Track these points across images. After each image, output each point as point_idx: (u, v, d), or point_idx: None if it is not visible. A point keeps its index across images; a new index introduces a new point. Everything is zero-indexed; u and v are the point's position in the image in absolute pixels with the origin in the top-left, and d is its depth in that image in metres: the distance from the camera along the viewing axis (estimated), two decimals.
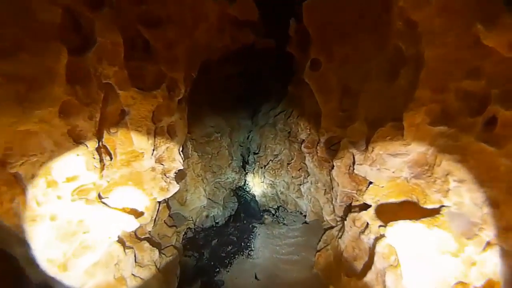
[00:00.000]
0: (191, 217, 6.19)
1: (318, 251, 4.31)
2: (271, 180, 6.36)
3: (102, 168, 2.79)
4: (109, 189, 3.06)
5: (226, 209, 7.21)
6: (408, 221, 2.62)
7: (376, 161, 2.90)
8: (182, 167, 4.18)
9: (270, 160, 6.25)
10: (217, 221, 6.73)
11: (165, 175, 3.76)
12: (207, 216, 6.49)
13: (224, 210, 7.05)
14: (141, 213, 3.49)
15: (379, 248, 2.90)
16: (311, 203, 5.16)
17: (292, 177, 5.68)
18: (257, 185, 7.12)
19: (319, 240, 4.56)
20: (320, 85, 3.73)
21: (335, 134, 3.81)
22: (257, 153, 6.83)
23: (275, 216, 6.76)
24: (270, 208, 7.10)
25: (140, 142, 3.16)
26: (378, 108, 3.23)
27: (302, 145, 4.74)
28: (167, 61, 3.35)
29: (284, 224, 5.77)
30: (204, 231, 6.22)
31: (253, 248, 5.44)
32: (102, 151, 2.88)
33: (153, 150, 3.31)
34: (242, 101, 7.49)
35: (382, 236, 2.87)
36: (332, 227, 4.52)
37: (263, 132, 6.76)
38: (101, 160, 2.72)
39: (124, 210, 3.13)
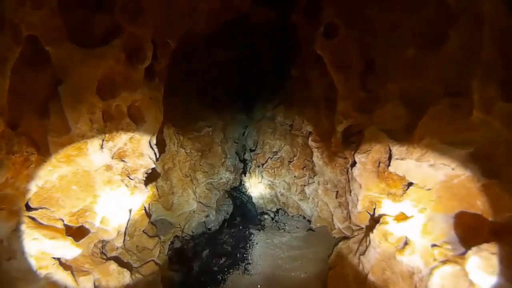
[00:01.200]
0: (179, 224, 5.21)
1: (331, 268, 3.39)
2: (270, 181, 5.42)
3: (25, 166, 1.83)
4: (42, 196, 2.08)
5: (220, 213, 6.23)
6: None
7: (428, 154, 2.01)
8: (154, 165, 3.18)
9: (269, 157, 5.31)
10: (209, 227, 5.75)
11: (128, 177, 2.76)
12: (197, 222, 5.52)
13: (217, 214, 6.06)
14: (87, 231, 2.48)
15: (440, 280, 2.00)
16: (318, 207, 4.23)
17: (295, 176, 4.75)
18: (254, 185, 6.15)
19: (331, 253, 3.65)
20: (336, 58, 2.80)
21: (356, 122, 2.89)
22: (254, 150, 5.88)
23: (274, 221, 5.81)
24: (268, 211, 6.15)
25: (80, 125, 2.12)
26: (419, 83, 2.33)
27: (309, 139, 3.81)
28: (126, 10, 2.31)
29: (285, 230, 4.84)
30: (194, 240, 5.24)
31: (250, 261, 4.49)
32: (23, 141, 1.88)
33: (103, 140, 2.34)
34: (236, 93, 6.53)
35: (446, 264, 1.97)
36: (345, 238, 3.61)
37: (260, 126, 5.81)
38: (21, 155, 1.77)
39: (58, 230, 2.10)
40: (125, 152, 2.62)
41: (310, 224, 4.76)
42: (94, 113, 2.18)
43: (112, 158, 2.41)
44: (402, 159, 2.17)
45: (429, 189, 2.16)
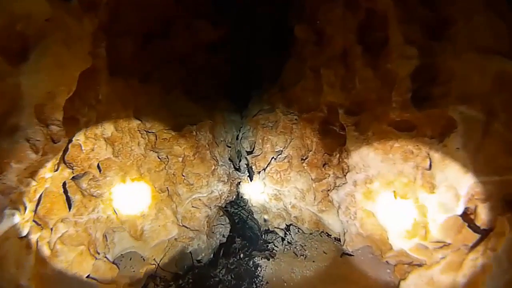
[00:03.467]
0: (154, 258, 3.60)
1: None
2: (275, 189, 3.91)
3: None
4: None
5: (213, 237, 4.58)
6: None
7: None
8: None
9: (272, 159, 3.82)
10: (199, 258, 4.07)
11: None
12: (181, 253, 3.90)
13: (209, 239, 4.41)
14: None
15: None
16: (357, 219, 2.71)
17: (312, 179, 3.27)
18: (255, 197, 4.63)
19: None
20: None
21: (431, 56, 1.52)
22: (252, 152, 4.40)
23: (286, 242, 4.22)
24: (276, 229, 4.57)
25: None
26: None
27: (341, 111, 2.38)
28: None
29: (306, 257, 3.27)
30: (177, 280, 3.62)
31: None
32: None
33: None
34: (228, 86, 5.13)
35: None
36: (417, 265, 2.11)
37: (258, 121, 4.35)
38: None
39: None
40: None
41: (341, 245, 3.19)
42: None
43: None
44: None
45: None
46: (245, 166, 4.76)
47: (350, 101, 2.40)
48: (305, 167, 3.27)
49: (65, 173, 2.65)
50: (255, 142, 4.28)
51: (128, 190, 3.26)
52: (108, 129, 2.74)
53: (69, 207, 2.81)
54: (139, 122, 3.17)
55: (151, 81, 3.40)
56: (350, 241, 3.00)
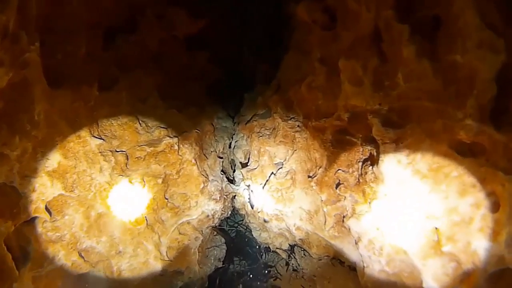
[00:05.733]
0: None
1: None
2: (276, 209, 3.22)
3: None
4: None
5: (207, 263, 3.87)
6: None
7: None
8: None
9: (271, 174, 3.12)
10: None
11: None
12: None
13: (202, 267, 3.72)
14: None
15: None
16: (383, 255, 2.02)
17: (322, 201, 2.58)
18: (252, 216, 3.94)
19: None
20: None
21: None
22: (247, 165, 3.67)
23: (291, 268, 3.54)
24: (278, 250, 3.89)
25: None
26: None
27: (375, 121, 1.63)
28: None
29: None
30: None
31: None
32: None
33: None
34: (216, 91, 4.36)
35: None
36: None
37: (252, 129, 3.60)
38: None
39: None
40: None
41: (359, 278, 2.51)
42: None
43: None
44: None
45: None
46: (241, 178, 4.03)
47: (389, 106, 1.64)
48: (313, 187, 2.56)
49: (2, 228, 1.91)
50: (250, 152, 3.55)
51: (95, 227, 2.53)
52: (52, 158, 1.98)
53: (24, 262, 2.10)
54: (101, 141, 2.41)
55: (117, 88, 2.63)
56: (370, 278, 2.32)
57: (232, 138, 4.24)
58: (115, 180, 2.49)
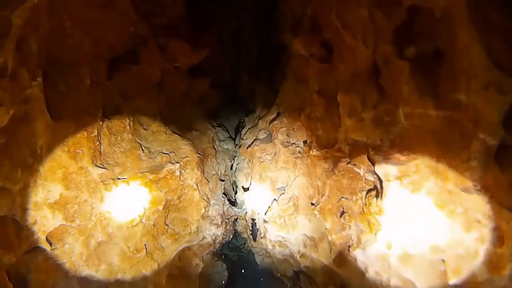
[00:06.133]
0: None
1: None
2: (279, 236, 3.15)
3: None
4: None
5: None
6: None
7: None
8: None
9: (274, 201, 3.07)
10: None
11: None
12: None
13: None
14: None
15: None
16: (390, 287, 1.97)
17: (327, 229, 2.51)
18: (254, 241, 3.85)
19: None
20: None
21: None
22: (249, 189, 3.62)
23: None
24: (282, 277, 3.77)
25: None
26: None
27: (377, 157, 1.58)
28: None
29: None
30: None
31: None
32: None
33: None
34: (218, 115, 4.40)
35: None
36: None
37: (253, 153, 3.59)
38: None
39: None
40: None
41: None
42: None
43: None
44: None
45: None
46: (242, 201, 3.98)
47: (390, 142, 1.65)
48: (317, 215, 2.51)
49: (4, 259, 1.88)
50: (251, 177, 3.52)
51: (94, 255, 2.47)
52: (54, 190, 1.97)
53: None
54: (104, 170, 2.40)
55: (119, 116, 2.65)
56: None
57: (234, 159, 4.23)
58: (116, 208, 2.45)
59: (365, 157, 1.80)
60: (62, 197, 2.02)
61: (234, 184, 4.29)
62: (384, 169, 1.65)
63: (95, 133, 2.28)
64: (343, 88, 1.82)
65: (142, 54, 2.54)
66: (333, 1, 1.80)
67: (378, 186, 1.79)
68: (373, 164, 1.72)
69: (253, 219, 3.68)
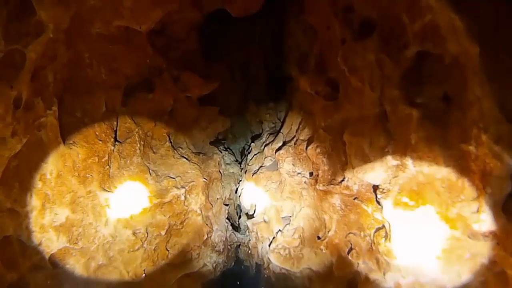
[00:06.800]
0: None
1: None
2: (283, 269, 3.05)
3: None
4: None
5: None
6: None
7: None
8: None
9: (279, 231, 3.02)
10: None
11: None
12: None
13: None
14: None
15: None
16: None
17: (333, 263, 2.40)
18: (258, 270, 3.73)
19: None
20: None
21: None
22: (252, 217, 3.57)
23: None
24: None
25: None
26: None
27: (385, 202, 1.54)
28: None
29: None
30: None
31: None
32: None
33: None
34: (225, 139, 4.45)
35: None
36: None
37: (259, 181, 3.59)
38: None
39: None
40: None
41: None
42: None
43: None
44: None
45: None
46: (246, 228, 3.90)
47: (399, 186, 1.64)
48: (323, 250, 2.43)
49: (7, 277, 1.87)
50: (256, 204, 3.48)
51: (93, 278, 2.43)
52: (60, 214, 1.99)
53: None
54: (110, 194, 2.42)
55: (130, 141, 2.71)
56: None
57: (239, 183, 4.21)
58: (119, 232, 2.45)
59: (373, 198, 1.77)
60: (68, 220, 2.04)
61: (238, 208, 4.24)
62: (392, 213, 1.61)
63: (106, 158, 2.33)
64: (350, 130, 1.82)
65: (157, 84, 2.64)
66: (339, 44, 1.85)
67: (387, 227, 1.73)
68: (381, 206, 1.69)
69: (256, 245, 3.58)
